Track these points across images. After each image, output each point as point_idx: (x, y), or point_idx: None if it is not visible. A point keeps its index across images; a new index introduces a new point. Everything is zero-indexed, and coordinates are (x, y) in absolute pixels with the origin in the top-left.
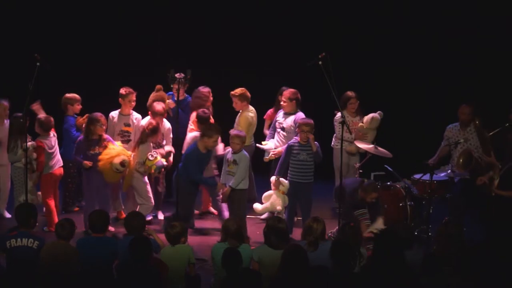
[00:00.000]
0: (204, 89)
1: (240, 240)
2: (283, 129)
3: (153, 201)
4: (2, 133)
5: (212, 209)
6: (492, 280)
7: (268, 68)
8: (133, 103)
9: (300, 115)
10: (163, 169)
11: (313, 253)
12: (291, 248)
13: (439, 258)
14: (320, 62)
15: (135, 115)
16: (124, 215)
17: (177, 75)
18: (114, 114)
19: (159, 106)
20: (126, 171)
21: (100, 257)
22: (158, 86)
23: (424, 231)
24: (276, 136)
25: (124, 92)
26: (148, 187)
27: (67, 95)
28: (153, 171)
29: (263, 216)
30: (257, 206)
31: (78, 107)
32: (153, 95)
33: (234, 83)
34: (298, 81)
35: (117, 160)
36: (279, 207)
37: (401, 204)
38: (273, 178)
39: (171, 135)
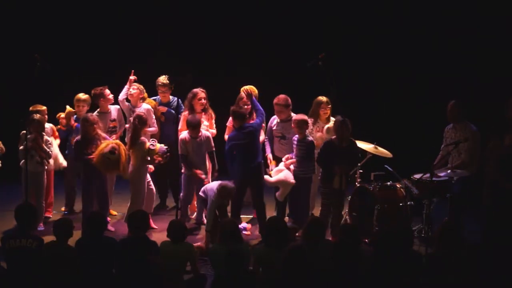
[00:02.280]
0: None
1: (239, 241)
2: (283, 137)
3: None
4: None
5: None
6: (492, 280)
7: (268, 68)
8: (111, 96)
9: None
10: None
11: (313, 253)
12: (291, 249)
13: (439, 258)
14: (320, 63)
15: (114, 107)
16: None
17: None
18: (95, 114)
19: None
20: (122, 157)
21: (100, 258)
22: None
23: (424, 231)
24: (275, 145)
25: (99, 92)
26: (144, 190)
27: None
28: (161, 158)
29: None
30: (268, 178)
31: (82, 108)
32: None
33: (233, 84)
34: (297, 82)
35: (106, 149)
36: (292, 180)
37: (401, 204)
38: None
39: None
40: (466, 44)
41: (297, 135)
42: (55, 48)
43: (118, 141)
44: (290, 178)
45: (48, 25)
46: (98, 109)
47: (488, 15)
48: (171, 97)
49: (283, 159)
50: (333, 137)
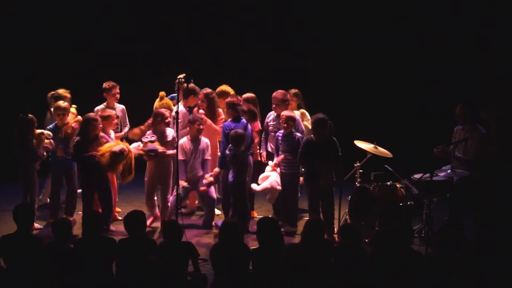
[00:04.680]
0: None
1: (240, 241)
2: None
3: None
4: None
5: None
6: (492, 279)
7: (268, 69)
8: (118, 96)
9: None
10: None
11: (312, 253)
12: (289, 248)
13: (439, 258)
14: (319, 61)
15: (120, 106)
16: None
17: (179, 76)
18: (101, 108)
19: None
20: (128, 160)
21: (99, 257)
22: (162, 94)
23: (424, 231)
24: (270, 141)
25: (108, 86)
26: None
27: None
28: (143, 152)
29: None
30: (254, 186)
31: (63, 117)
32: (158, 104)
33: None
34: (298, 82)
35: (116, 148)
36: (279, 187)
37: (401, 204)
38: (275, 160)
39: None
40: (466, 44)
41: (281, 131)
42: (55, 48)
43: (126, 144)
44: (277, 184)
45: (48, 25)
46: (105, 103)
47: (488, 15)
48: None
49: (270, 164)
50: (312, 135)
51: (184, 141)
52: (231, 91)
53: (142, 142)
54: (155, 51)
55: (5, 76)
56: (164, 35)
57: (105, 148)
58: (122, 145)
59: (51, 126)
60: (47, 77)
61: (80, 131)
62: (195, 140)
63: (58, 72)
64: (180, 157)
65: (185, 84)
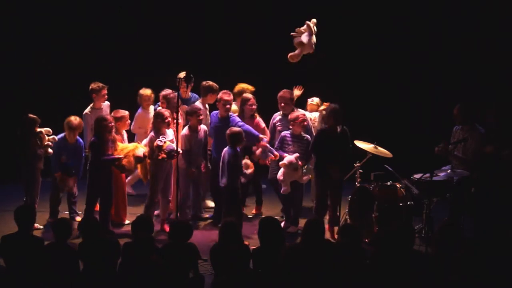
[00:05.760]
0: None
1: (240, 242)
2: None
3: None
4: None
5: None
6: (492, 279)
7: (268, 69)
8: (106, 97)
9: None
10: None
11: (312, 253)
12: (289, 248)
13: (439, 258)
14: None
15: (106, 103)
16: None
17: (179, 74)
18: (88, 111)
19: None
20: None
21: (102, 259)
22: None
23: (424, 231)
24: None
25: (97, 87)
26: (157, 187)
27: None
28: (165, 155)
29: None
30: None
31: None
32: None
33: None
34: (297, 82)
35: (139, 153)
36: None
37: (401, 204)
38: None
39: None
40: (466, 44)
41: (288, 132)
42: (55, 48)
43: (145, 147)
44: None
45: (49, 25)
46: (92, 105)
47: (488, 15)
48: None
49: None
50: (326, 126)
51: (184, 132)
52: (250, 88)
53: (157, 145)
54: (155, 51)
55: (5, 76)
56: (164, 35)
57: (126, 151)
58: (143, 149)
59: (60, 136)
60: (47, 77)
61: (94, 132)
62: (195, 131)
63: (58, 72)
64: (184, 147)
65: (185, 82)
